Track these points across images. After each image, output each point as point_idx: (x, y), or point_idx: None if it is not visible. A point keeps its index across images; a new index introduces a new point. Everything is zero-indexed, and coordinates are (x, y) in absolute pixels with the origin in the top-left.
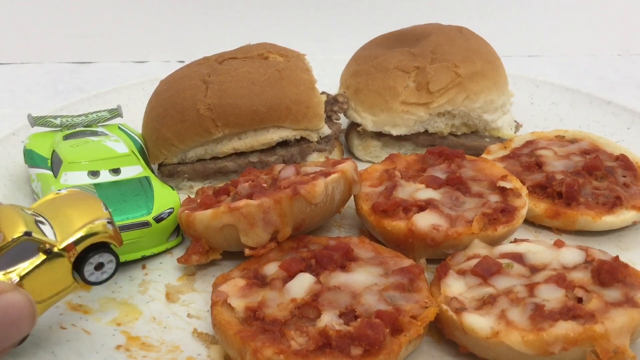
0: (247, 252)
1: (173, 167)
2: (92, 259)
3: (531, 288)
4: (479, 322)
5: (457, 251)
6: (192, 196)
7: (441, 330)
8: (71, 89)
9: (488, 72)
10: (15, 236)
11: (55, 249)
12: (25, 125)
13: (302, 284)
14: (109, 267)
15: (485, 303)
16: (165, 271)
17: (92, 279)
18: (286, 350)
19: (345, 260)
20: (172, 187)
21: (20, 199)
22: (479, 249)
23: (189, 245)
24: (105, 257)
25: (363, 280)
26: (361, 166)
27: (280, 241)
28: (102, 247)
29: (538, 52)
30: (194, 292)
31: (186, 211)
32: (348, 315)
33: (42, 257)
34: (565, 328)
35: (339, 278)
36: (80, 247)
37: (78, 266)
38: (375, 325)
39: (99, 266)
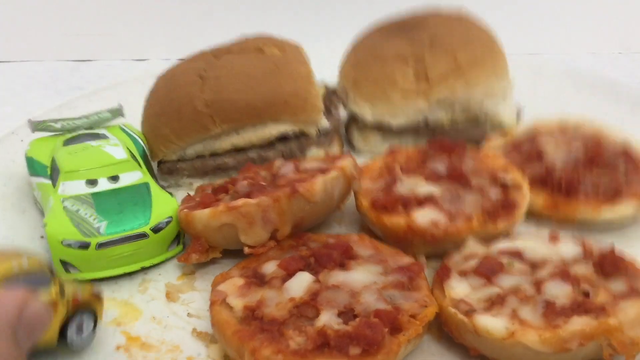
0: (246, 250)
1: (172, 164)
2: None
3: (538, 285)
4: (493, 324)
5: (453, 251)
6: (192, 193)
7: (450, 334)
8: (71, 87)
9: (487, 58)
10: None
11: (66, 294)
12: (25, 124)
13: (300, 283)
14: (88, 328)
15: (494, 303)
16: (165, 270)
17: (73, 339)
18: (284, 349)
19: (345, 258)
20: (171, 194)
21: (20, 198)
22: (475, 247)
23: (189, 244)
24: (85, 319)
25: (362, 279)
26: (362, 158)
27: (280, 239)
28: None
29: (539, 50)
30: (194, 291)
31: (185, 210)
32: (347, 314)
33: (53, 294)
34: (580, 323)
35: (337, 277)
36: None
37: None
38: (374, 324)
39: (79, 327)
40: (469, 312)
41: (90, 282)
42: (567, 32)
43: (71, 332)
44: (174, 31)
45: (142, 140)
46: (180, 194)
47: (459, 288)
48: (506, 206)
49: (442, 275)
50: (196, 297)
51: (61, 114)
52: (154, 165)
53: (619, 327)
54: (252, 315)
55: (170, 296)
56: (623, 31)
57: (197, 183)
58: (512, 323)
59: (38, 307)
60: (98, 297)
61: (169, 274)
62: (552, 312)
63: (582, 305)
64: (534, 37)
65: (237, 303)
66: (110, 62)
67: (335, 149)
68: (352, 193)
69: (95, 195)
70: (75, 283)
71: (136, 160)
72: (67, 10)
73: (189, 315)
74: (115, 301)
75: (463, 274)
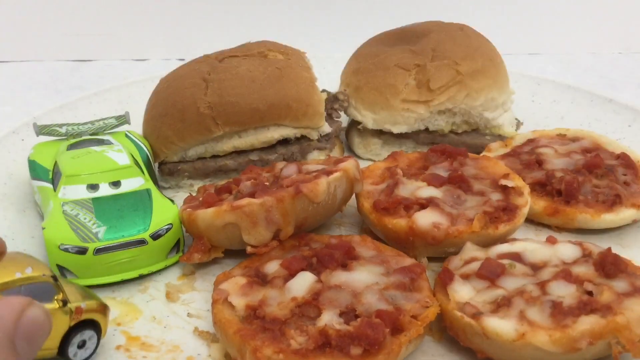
0: (249, 250)
1: (173, 165)
2: (78, 335)
3: (542, 286)
4: (502, 326)
5: (453, 255)
6: (193, 194)
7: (455, 338)
8: (71, 87)
9: (489, 69)
10: (43, 274)
11: (69, 305)
12: (26, 124)
13: (302, 283)
14: (91, 344)
15: (500, 305)
16: (165, 270)
17: (73, 355)
18: (286, 349)
19: (347, 259)
20: (172, 200)
21: (20, 197)
22: (474, 251)
23: (191, 243)
24: (87, 335)
25: (364, 279)
26: (362, 164)
27: (283, 240)
28: (89, 324)
29: (539, 50)
30: (194, 291)
31: (188, 209)
32: (348, 314)
33: (55, 305)
34: (589, 323)
35: (339, 277)
36: (83, 316)
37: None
38: (375, 325)
39: (82, 344)
40: (476, 315)
41: (95, 295)
42: (567, 32)
43: (72, 348)
44: (174, 31)
45: (146, 146)
46: (181, 195)
47: (463, 291)
48: (507, 210)
49: (444, 279)
50: (196, 297)
51: (62, 115)
52: (155, 167)
53: (627, 325)
54: (254, 315)
55: (170, 296)
56: (623, 31)
57: (198, 184)
58: (521, 324)
59: (37, 314)
60: (103, 310)
61: (169, 274)
62: (559, 312)
63: (588, 305)
64: (534, 37)
65: (239, 302)
66: (110, 62)
67: (336, 153)
68: (354, 195)
69: (95, 200)
70: (81, 292)
71: (139, 166)
72: (67, 10)
73: (189, 315)
74: (115, 301)
75: (465, 277)
